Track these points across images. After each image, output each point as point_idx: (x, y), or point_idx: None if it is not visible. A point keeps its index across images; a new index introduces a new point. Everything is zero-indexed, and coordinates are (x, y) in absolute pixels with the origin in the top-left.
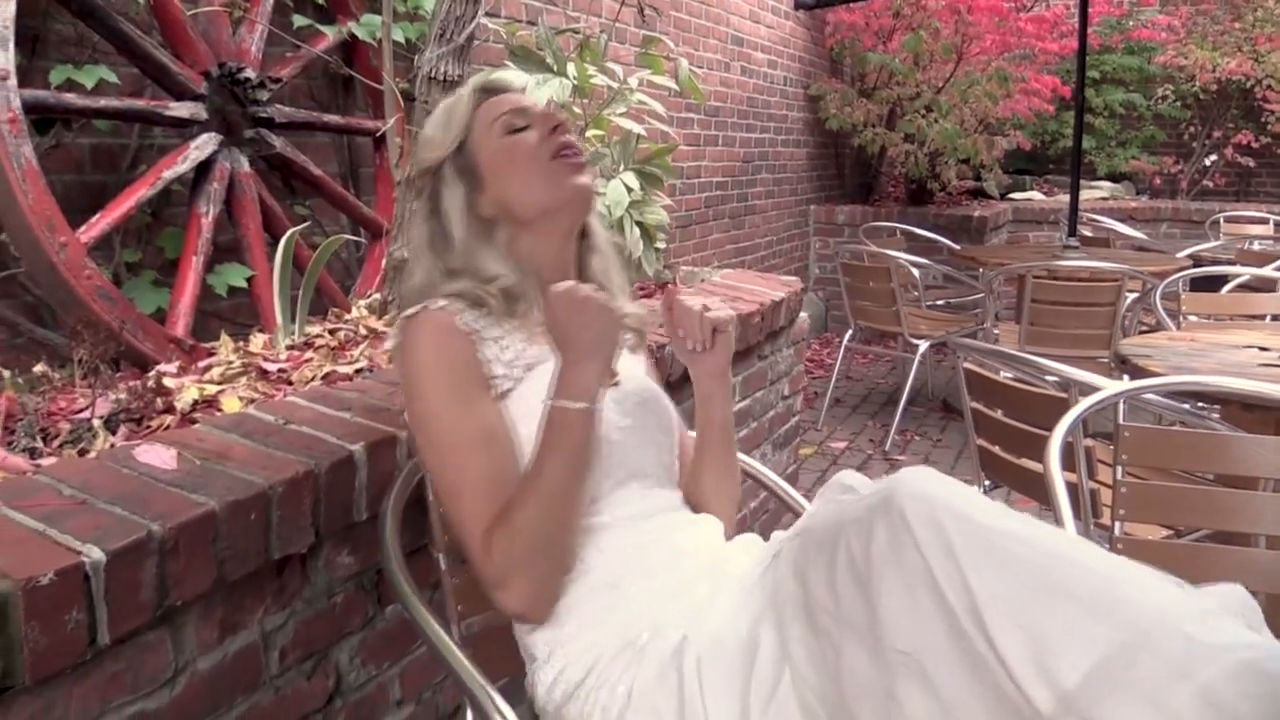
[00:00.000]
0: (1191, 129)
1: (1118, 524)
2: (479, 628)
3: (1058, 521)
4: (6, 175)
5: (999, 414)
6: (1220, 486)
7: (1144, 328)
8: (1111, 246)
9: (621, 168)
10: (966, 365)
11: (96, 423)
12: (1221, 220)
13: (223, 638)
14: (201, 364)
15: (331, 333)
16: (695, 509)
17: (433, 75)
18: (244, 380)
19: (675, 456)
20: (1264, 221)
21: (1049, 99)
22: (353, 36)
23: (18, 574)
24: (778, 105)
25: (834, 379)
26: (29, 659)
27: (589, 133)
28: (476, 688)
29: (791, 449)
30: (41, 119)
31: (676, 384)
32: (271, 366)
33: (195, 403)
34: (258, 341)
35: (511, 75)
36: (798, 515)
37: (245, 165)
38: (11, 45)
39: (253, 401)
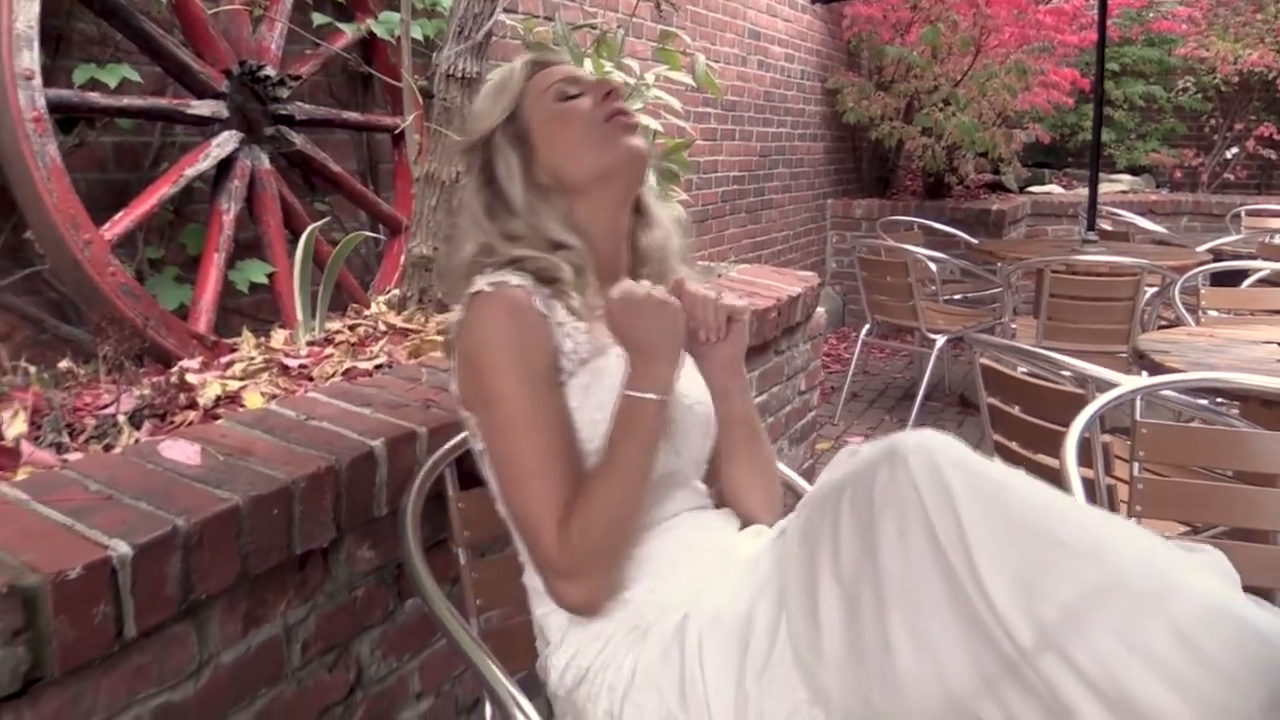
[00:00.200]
0: (1212, 121)
1: (1134, 520)
2: (498, 621)
3: None
4: (32, 174)
5: (1016, 410)
6: (1238, 483)
7: (1163, 323)
8: (1131, 241)
9: None
10: (983, 361)
11: (121, 418)
12: (1243, 214)
13: (246, 631)
14: (223, 360)
15: (351, 329)
16: (726, 501)
17: (451, 73)
18: (265, 376)
19: (708, 454)
20: None
21: (1068, 92)
22: (371, 34)
23: (47, 568)
24: (795, 99)
25: (851, 374)
26: (58, 651)
27: None
28: (495, 681)
29: (808, 444)
30: (66, 118)
31: None
32: (292, 362)
33: (218, 398)
34: (279, 337)
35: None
36: None
37: (266, 162)
38: (36, 45)
39: (274, 397)
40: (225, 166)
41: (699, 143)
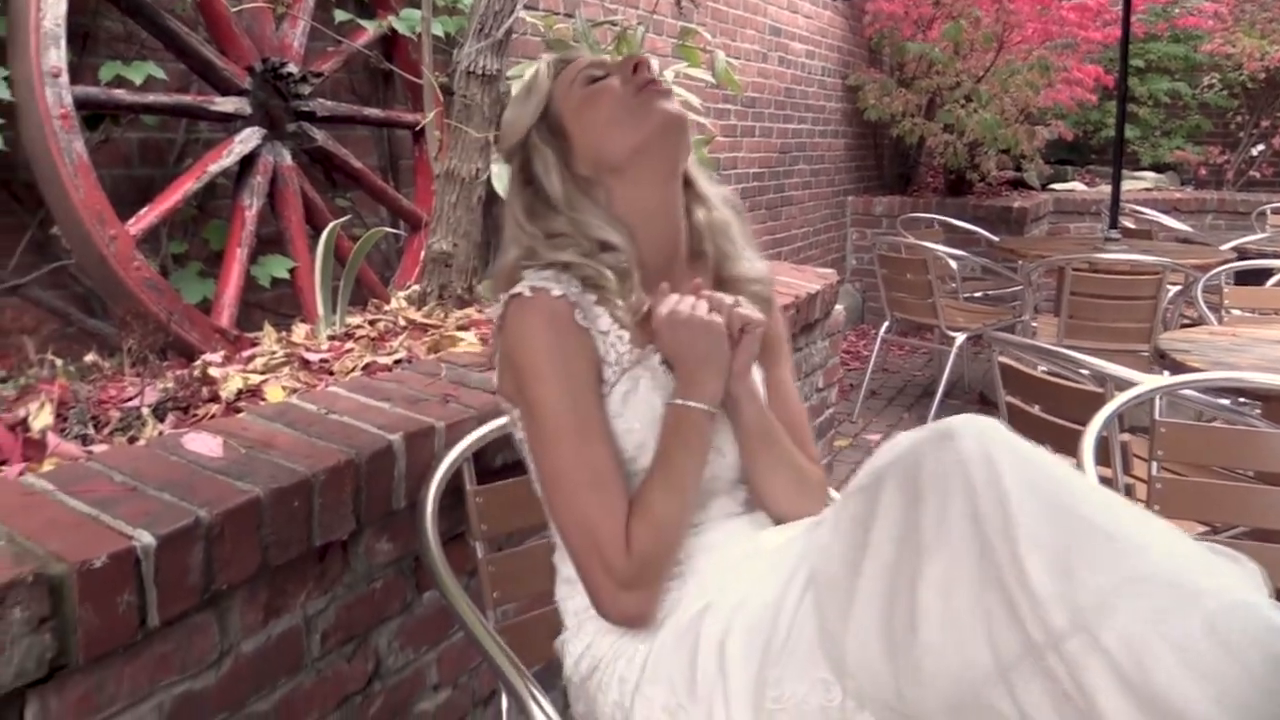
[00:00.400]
0: (1238, 118)
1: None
2: (514, 614)
3: None
4: (59, 170)
5: (1036, 409)
6: (1259, 484)
7: (1186, 321)
8: (1154, 239)
9: None
10: (1001, 359)
11: (145, 411)
12: (1268, 212)
13: (267, 621)
14: (245, 354)
15: (371, 324)
16: (758, 505)
17: (471, 70)
18: (287, 370)
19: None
20: None
21: (1092, 88)
22: (393, 31)
23: (72, 557)
24: (815, 95)
25: (870, 371)
26: (82, 639)
27: None
28: (511, 673)
29: (826, 441)
30: (92, 114)
31: None
32: (313, 357)
33: (240, 392)
34: (300, 332)
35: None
36: None
37: (288, 159)
38: (64, 43)
39: (295, 391)
40: (248, 163)
41: (719, 139)
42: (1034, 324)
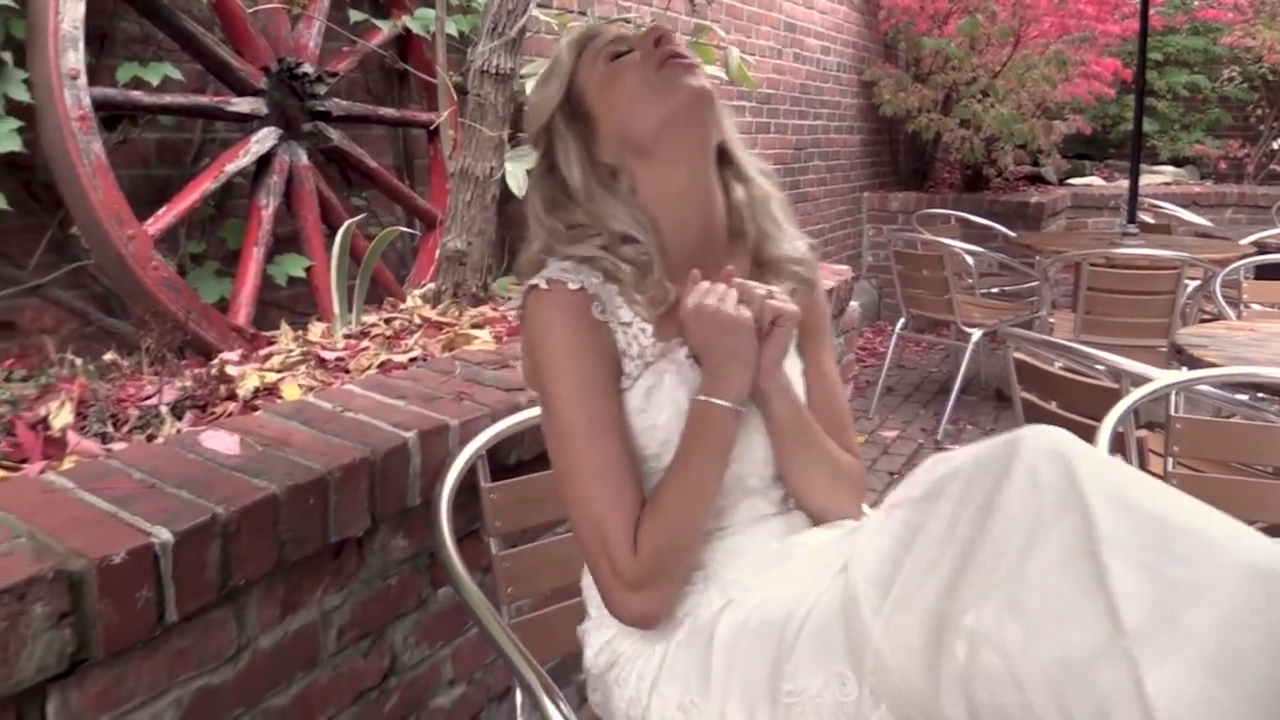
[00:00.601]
0: (1259, 111)
1: None
2: (529, 609)
3: None
4: (77, 171)
5: (1053, 406)
6: (1277, 479)
7: (1205, 316)
8: (1173, 233)
9: None
10: (1016, 355)
11: (163, 409)
12: None
13: (283, 616)
14: (262, 352)
15: (387, 322)
16: (796, 502)
17: (485, 69)
18: (303, 368)
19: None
20: None
21: (1110, 82)
22: (407, 30)
23: (92, 553)
24: (831, 91)
25: (886, 367)
26: (102, 634)
27: None
28: (525, 669)
29: None
30: (110, 115)
31: None
32: (329, 355)
33: (256, 390)
34: (316, 330)
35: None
36: None
37: (304, 158)
38: (82, 45)
39: (311, 389)
40: (264, 162)
41: None
42: (1051, 319)
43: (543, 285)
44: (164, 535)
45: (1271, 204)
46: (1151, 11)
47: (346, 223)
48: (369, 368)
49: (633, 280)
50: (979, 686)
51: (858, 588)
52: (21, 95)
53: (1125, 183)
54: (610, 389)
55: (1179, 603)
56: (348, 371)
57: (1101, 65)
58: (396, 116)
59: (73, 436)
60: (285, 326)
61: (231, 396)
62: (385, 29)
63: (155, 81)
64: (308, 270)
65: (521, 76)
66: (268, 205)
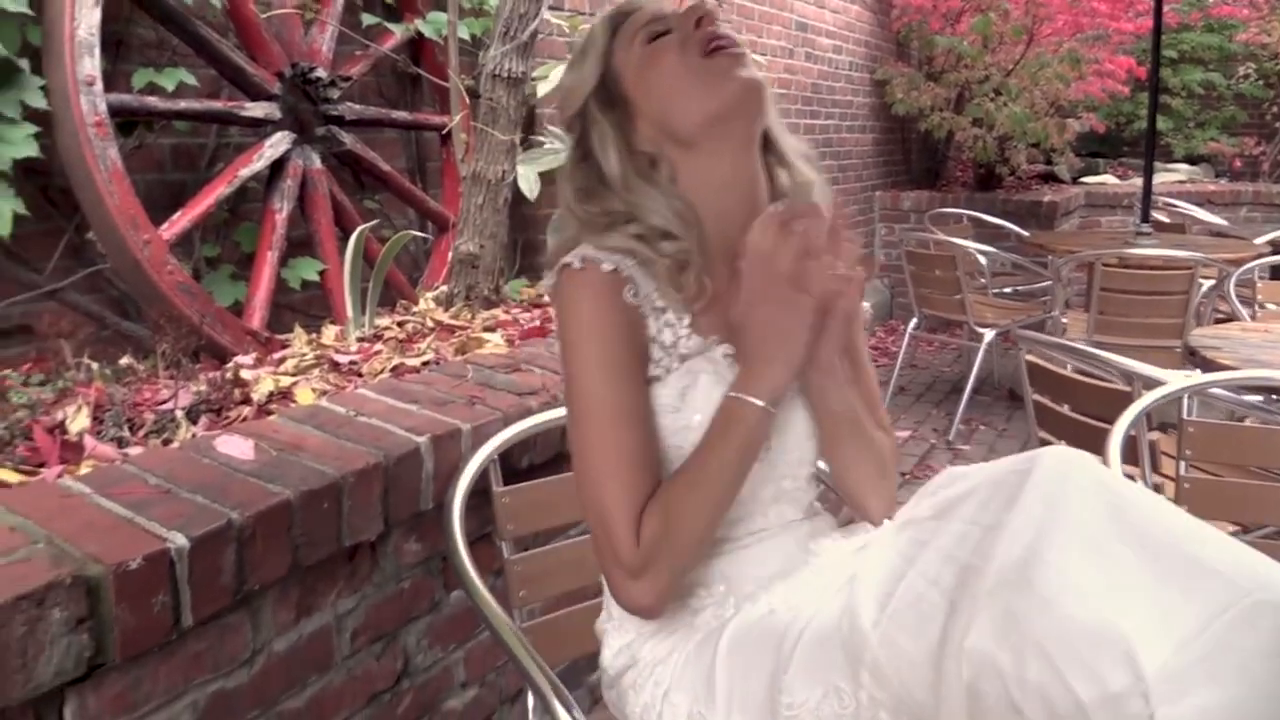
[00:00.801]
0: (1274, 109)
1: None
2: (541, 612)
3: None
4: (93, 177)
5: (1065, 408)
6: None
7: (1220, 316)
8: (1187, 232)
9: None
10: (1028, 357)
11: (179, 413)
12: None
13: (298, 620)
14: (276, 356)
15: (400, 325)
16: (840, 494)
17: (497, 73)
18: (317, 372)
19: (814, 455)
20: None
21: (1124, 80)
22: (419, 34)
23: (109, 559)
24: (843, 90)
25: (898, 367)
26: (119, 638)
27: None
28: (536, 674)
29: None
30: (125, 121)
31: None
32: (343, 359)
33: (271, 394)
34: (329, 334)
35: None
36: None
37: (317, 162)
38: (97, 51)
39: (325, 393)
40: (278, 167)
41: None
42: (1064, 320)
43: (575, 264)
44: (180, 541)
45: None
46: (1166, 9)
47: (360, 227)
48: (382, 371)
49: (669, 276)
50: (981, 708)
51: (857, 599)
52: (38, 102)
53: (1139, 181)
54: (635, 376)
55: (1192, 635)
56: (361, 375)
57: (1115, 63)
58: (409, 120)
59: (89, 441)
60: (299, 330)
61: (246, 400)
62: (397, 33)
63: (170, 87)
64: (321, 274)
65: (534, 79)
66: (282, 209)
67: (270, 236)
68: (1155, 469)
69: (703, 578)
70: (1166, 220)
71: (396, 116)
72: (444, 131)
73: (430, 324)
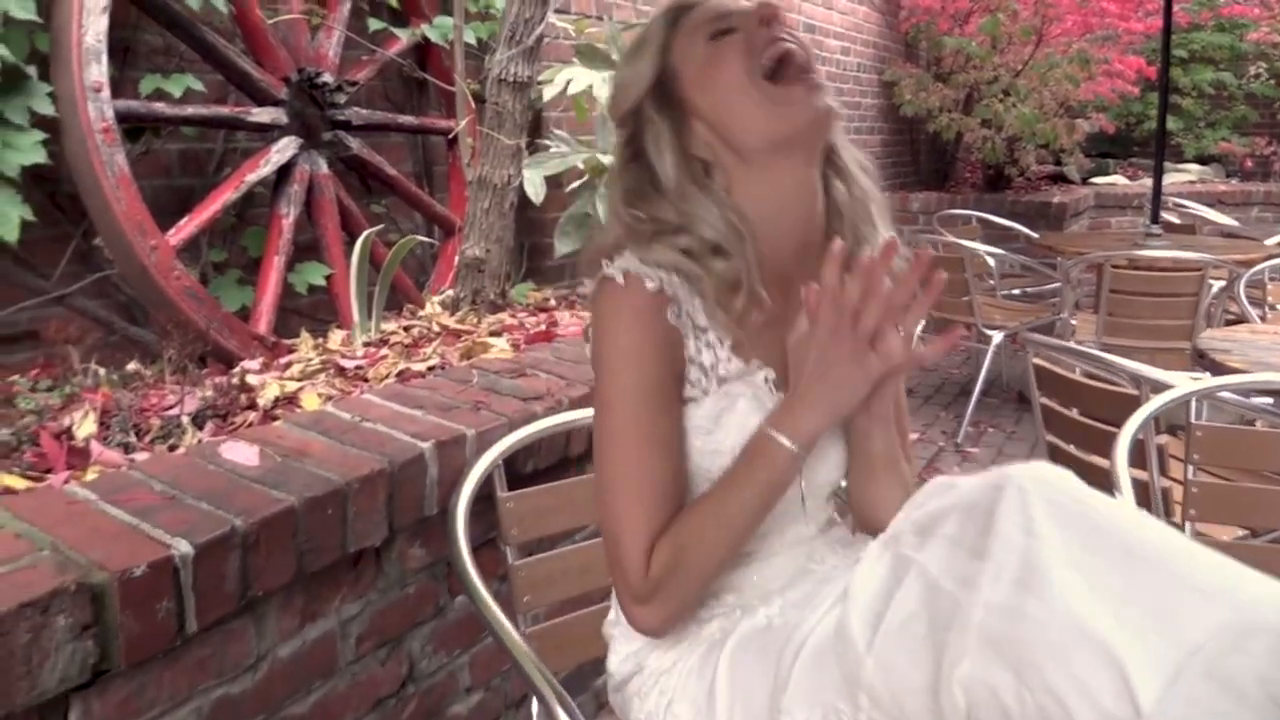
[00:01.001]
0: None
1: (1188, 524)
2: (546, 617)
3: None
4: (101, 183)
5: (1074, 412)
6: None
7: (1230, 317)
8: (1197, 233)
9: None
10: (1035, 360)
11: (185, 419)
12: None
13: (302, 626)
14: (282, 360)
15: (406, 329)
16: (855, 512)
17: (502, 77)
18: (323, 377)
19: (835, 483)
20: None
21: (1134, 80)
22: (426, 39)
23: (114, 566)
24: (851, 92)
25: None
26: (123, 645)
27: None
28: (539, 680)
29: None
30: (133, 127)
31: None
32: (349, 364)
33: (277, 399)
34: (336, 338)
35: None
36: None
37: (324, 167)
38: (105, 58)
39: (330, 399)
40: (285, 172)
41: None
42: (1073, 322)
43: (618, 279)
44: (184, 547)
45: None
46: (1176, 8)
47: (365, 232)
48: (387, 376)
49: (717, 296)
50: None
51: (850, 620)
52: (46, 108)
53: (1149, 181)
54: (667, 403)
55: (1184, 658)
56: (366, 380)
57: (1125, 63)
58: (415, 124)
59: (96, 447)
60: (305, 335)
61: (252, 406)
62: (404, 38)
63: (177, 93)
64: (328, 278)
65: (539, 84)
66: (288, 214)
67: (277, 241)
68: (1164, 472)
69: (712, 589)
70: (1177, 221)
71: (403, 121)
72: (450, 136)
73: (436, 328)
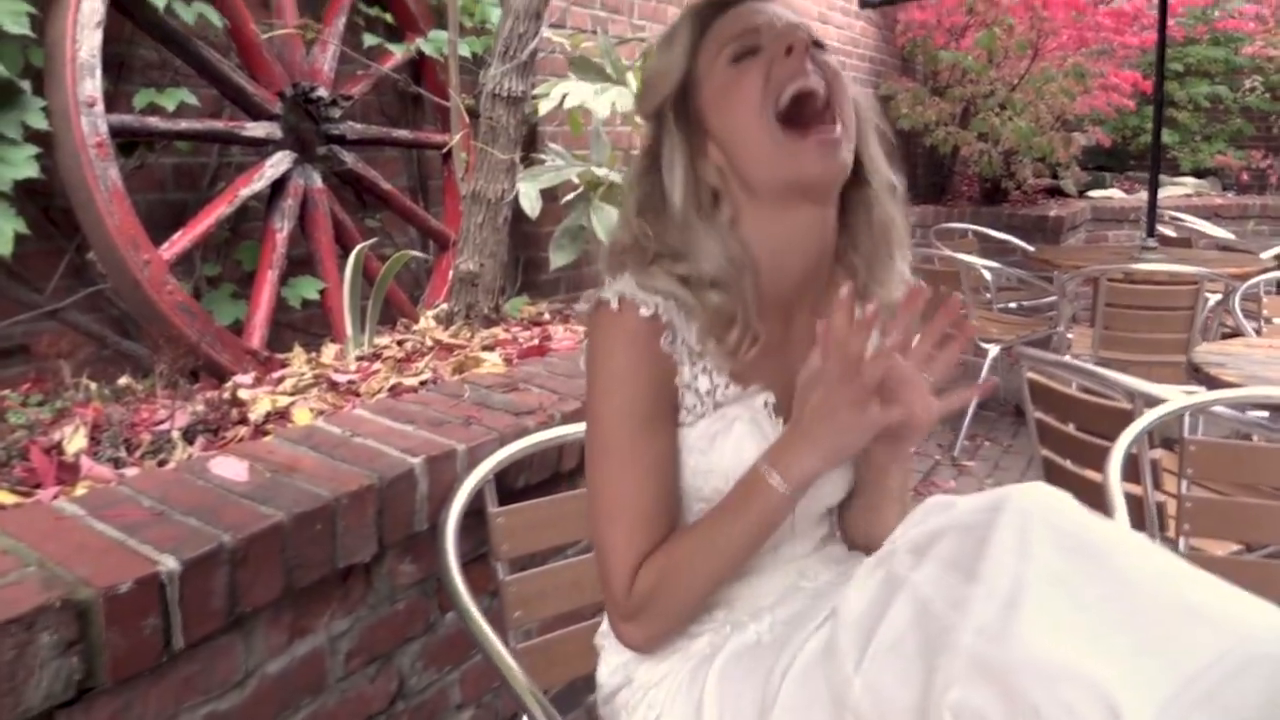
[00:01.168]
0: None
1: (1183, 539)
2: (538, 633)
3: None
4: (94, 197)
5: (1071, 427)
6: None
7: (1227, 331)
8: (1193, 247)
9: None
10: (1029, 375)
11: (175, 434)
12: None
13: (291, 642)
14: (275, 375)
15: (399, 344)
16: (849, 531)
17: (497, 92)
18: (315, 392)
19: (833, 505)
20: None
21: (1129, 94)
22: (420, 53)
23: (99, 582)
24: None
25: None
26: (109, 662)
27: None
28: (528, 698)
29: None
30: (127, 142)
31: None
32: (341, 378)
33: (268, 414)
34: (329, 352)
35: None
36: None
37: (318, 181)
38: (99, 72)
39: (322, 413)
40: (279, 186)
41: None
42: (1069, 335)
43: (613, 305)
44: (171, 564)
45: None
46: (1171, 22)
47: (359, 246)
48: (379, 391)
49: (711, 328)
50: None
51: (839, 639)
52: (40, 123)
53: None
54: (660, 427)
55: (1180, 688)
56: (358, 395)
57: (1120, 77)
58: (410, 139)
59: (86, 461)
60: (298, 349)
61: (243, 420)
62: (398, 52)
63: (171, 107)
64: (321, 292)
65: (534, 98)
66: (282, 228)
67: (271, 255)
68: (1158, 487)
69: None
70: (1173, 235)
71: (397, 135)
72: (445, 150)
73: (429, 343)
